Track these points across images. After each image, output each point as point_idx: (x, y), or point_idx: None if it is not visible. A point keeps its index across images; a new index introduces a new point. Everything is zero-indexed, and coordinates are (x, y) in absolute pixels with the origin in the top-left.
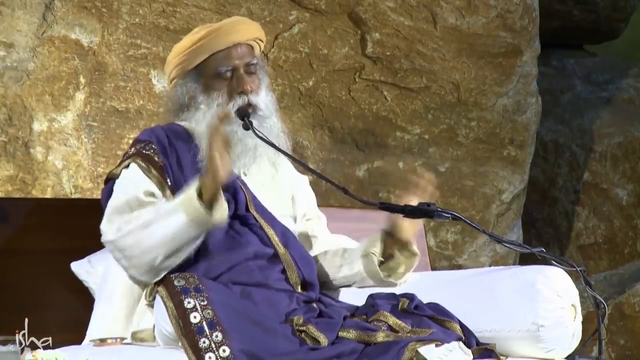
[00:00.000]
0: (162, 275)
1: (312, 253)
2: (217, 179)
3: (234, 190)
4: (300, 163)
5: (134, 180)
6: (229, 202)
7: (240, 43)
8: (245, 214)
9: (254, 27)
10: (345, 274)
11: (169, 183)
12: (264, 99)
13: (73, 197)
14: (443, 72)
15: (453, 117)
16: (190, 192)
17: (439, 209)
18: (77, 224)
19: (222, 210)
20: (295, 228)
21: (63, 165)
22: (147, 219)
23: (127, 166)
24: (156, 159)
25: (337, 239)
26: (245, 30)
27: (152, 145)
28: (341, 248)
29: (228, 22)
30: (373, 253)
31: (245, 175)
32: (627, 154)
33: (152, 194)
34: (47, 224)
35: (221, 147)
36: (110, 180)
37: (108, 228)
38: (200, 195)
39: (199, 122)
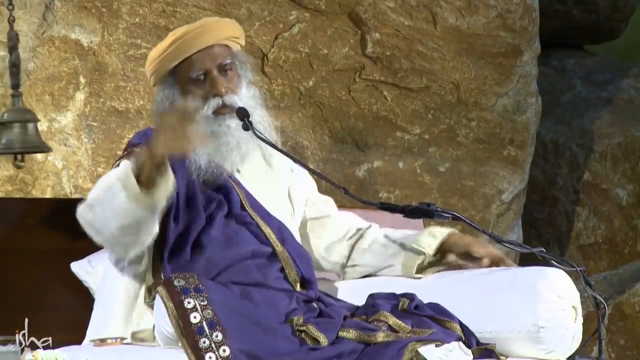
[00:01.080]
0: (134, 252)
1: (331, 233)
2: (154, 156)
3: (226, 190)
4: (299, 163)
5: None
6: (220, 203)
7: (210, 45)
8: (240, 212)
9: (224, 26)
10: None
11: None
12: (244, 96)
13: (73, 197)
14: (443, 72)
15: (453, 117)
16: (126, 168)
17: (439, 209)
18: (77, 224)
19: (164, 189)
20: (292, 222)
21: (63, 165)
22: (98, 195)
23: (117, 165)
24: None
25: (349, 217)
26: (213, 33)
27: (143, 147)
28: (382, 237)
29: (194, 26)
30: (424, 251)
31: (239, 172)
32: (627, 154)
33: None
34: (47, 224)
35: (175, 123)
36: None
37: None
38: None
39: None
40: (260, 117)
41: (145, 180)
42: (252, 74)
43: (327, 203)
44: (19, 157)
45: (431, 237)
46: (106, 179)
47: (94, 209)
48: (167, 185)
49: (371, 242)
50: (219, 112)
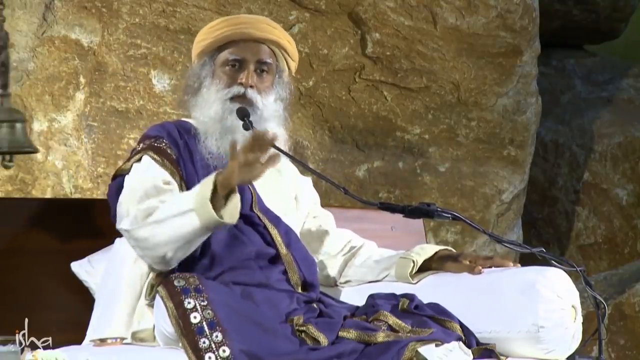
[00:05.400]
0: (174, 265)
1: (327, 248)
2: (230, 185)
3: (241, 188)
4: (300, 163)
5: (150, 171)
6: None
7: (258, 40)
8: (249, 213)
9: (280, 33)
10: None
11: (182, 175)
12: (267, 102)
13: (73, 197)
14: (443, 72)
15: (453, 117)
16: (204, 194)
17: (439, 209)
18: (77, 224)
19: (234, 211)
20: (297, 228)
21: (63, 165)
22: (161, 216)
23: (139, 160)
24: (169, 151)
25: (346, 234)
26: (268, 31)
27: (163, 139)
28: (375, 253)
29: (254, 16)
30: (413, 260)
31: None
32: (627, 154)
33: (169, 183)
34: (47, 224)
35: (253, 156)
36: (119, 176)
37: (125, 215)
38: (214, 194)
39: (197, 107)
40: (272, 128)
41: (222, 199)
42: (287, 97)
43: (328, 218)
44: (7, 157)
45: (422, 252)
46: (169, 204)
47: (152, 229)
48: (237, 207)
49: (365, 258)
50: (235, 100)
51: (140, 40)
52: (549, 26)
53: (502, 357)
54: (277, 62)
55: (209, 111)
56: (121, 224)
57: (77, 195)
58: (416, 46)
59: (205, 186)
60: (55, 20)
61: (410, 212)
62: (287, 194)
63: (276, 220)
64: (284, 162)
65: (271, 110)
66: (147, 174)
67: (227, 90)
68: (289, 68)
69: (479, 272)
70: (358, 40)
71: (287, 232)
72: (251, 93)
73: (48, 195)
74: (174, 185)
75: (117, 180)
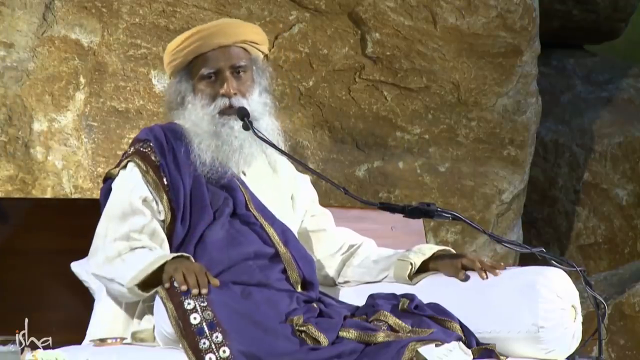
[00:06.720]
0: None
1: (325, 248)
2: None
3: (232, 189)
4: (300, 163)
5: (129, 185)
6: (227, 200)
7: (227, 45)
8: (245, 212)
9: (244, 30)
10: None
11: (165, 182)
12: (254, 101)
13: (73, 197)
14: (443, 72)
15: (453, 117)
16: (135, 280)
17: (439, 209)
18: (77, 224)
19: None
20: (295, 227)
21: (63, 165)
22: (111, 275)
23: (125, 167)
24: (153, 158)
25: (344, 232)
26: (232, 34)
27: (149, 143)
28: (374, 253)
29: (215, 24)
30: (411, 262)
31: (245, 174)
32: (627, 154)
33: (145, 199)
34: (47, 224)
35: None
36: (108, 179)
37: (95, 249)
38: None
39: (187, 120)
40: (267, 124)
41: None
42: (269, 82)
43: (326, 216)
44: None
45: (420, 253)
46: (122, 263)
47: (106, 284)
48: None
49: (363, 258)
50: (224, 112)
51: (140, 40)
52: (549, 26)
53: (502, 357)
54: (249, 56)
55: (200, 124)
56: (89, 263)
57: (77, 195)
58: (416, 46)
59: (141, 272)
60: (55, 20)
61: (410, 212)
62: (283, 193)
63: (272, 220)
64: (280, 161)
65: (260, 107)
66: (126, 191)
67: (213, 105)
68: (262, 52)
69: (463, 279)
70: (358, 40)
71: (283, 231)
72: (236, 101)
73: (48, 195)
74: (150, 200)
75: (107, 183)
